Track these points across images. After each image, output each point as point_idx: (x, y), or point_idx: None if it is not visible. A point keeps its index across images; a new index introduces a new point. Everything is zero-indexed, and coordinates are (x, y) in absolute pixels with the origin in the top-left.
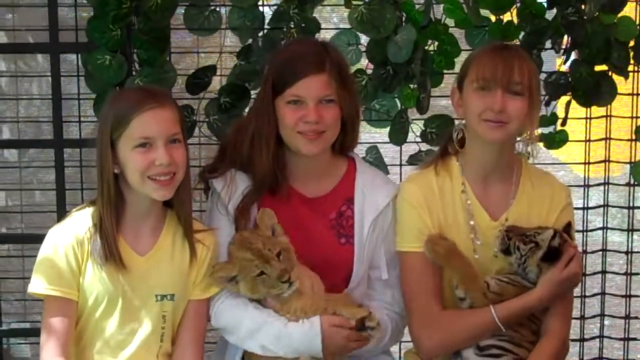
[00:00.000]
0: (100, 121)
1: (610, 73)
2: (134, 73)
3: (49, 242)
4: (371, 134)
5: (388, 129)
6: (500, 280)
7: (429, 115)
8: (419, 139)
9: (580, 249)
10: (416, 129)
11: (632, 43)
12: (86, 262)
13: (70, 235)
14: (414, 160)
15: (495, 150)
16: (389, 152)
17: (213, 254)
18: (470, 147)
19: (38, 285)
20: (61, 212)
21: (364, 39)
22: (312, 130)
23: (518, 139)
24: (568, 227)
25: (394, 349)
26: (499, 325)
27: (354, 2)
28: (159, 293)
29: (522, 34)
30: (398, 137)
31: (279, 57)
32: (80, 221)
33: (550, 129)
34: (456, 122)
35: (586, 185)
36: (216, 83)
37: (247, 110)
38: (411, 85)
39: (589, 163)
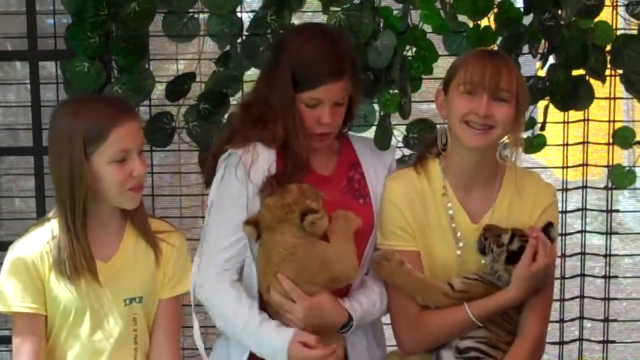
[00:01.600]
0: (61, 133)
1: (587, 77)
2: (112, 80)
3: (10, 260)
4: None
5: (365, 134)
6: (468, 278)
7: (411, 120)
8: (400, 144)
9: (559, 252)
10: (397, 134)
11: (608, 47)
12: (49, 276)
13: (31, 251)
14: (400, 164)
15: (477, 155)
16: None
17: (179, 253)
18: (452, 150)
19: (5, 303)
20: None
21: None
22: (325, 132)
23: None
24: (548, 226)
25: None
26: (475, 321)
27: (332, 8)
28: (127, 297)
29: (500, 39)
30: (383, 141)
31: (296, 53)
32: (39, 237)
33: (529, 133)
34: (438, 126)
35: (564, 189)
36: (195, 90)
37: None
38: (391, 91)
39: (567, 167)
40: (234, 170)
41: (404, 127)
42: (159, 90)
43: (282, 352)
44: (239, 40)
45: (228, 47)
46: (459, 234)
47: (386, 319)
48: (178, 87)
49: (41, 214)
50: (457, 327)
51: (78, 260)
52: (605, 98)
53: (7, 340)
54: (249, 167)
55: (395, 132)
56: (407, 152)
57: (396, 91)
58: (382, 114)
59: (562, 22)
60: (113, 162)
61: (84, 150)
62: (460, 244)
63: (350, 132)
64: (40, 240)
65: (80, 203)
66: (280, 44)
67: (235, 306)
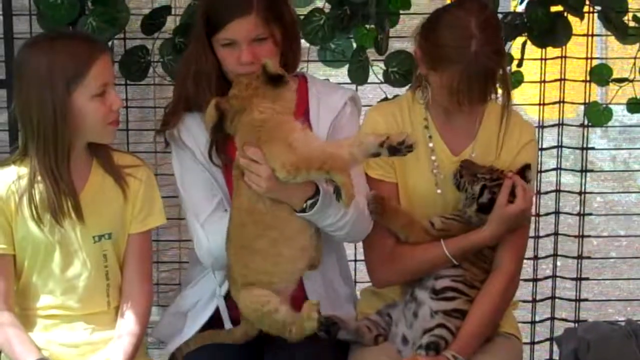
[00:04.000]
0: (38, 76)
1: (565, 14)
2: (86, 12)
3: None
4: (326, 74)
5: (343, 70)
6: (446, 218)
7: (388, 54)
8: (377, 80)
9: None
10: (377, 71)
11: None
12: (15, 217)
13: None
14: None
15: None
16: None
17: (147, 187)
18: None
19: None
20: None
21: None
22: (250, 71)
23: None
24: (525, 168)
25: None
26: (451, 259)
27: None
28: (95, 234)
29: None
30: (358, 76)
31: None
32: (4, 177)
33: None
34: None
35: (540, 127)
36: (170, 23)
37: None
38: (367, 26)
39: (543, 104)
40: (177, 148)
41: (383, 63)
42: (132, 22)
43: None
44: None
45: None
46: (436, 164)
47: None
48: (154, 20)
49: (14, 147)
50: (433, 263)
51: (62, 200)
52: (583, 35)
53: None
54: (190, 144)
55: (375, 70)
56: (388, 89)
57: (372, 26)
58: (358, 48)
59: None
60: (95, 97)
61: (66, 89)
62: (441, 177)
63: (310, 73)
64: (6, 181)
65: (65, 142)
66: None
67: None
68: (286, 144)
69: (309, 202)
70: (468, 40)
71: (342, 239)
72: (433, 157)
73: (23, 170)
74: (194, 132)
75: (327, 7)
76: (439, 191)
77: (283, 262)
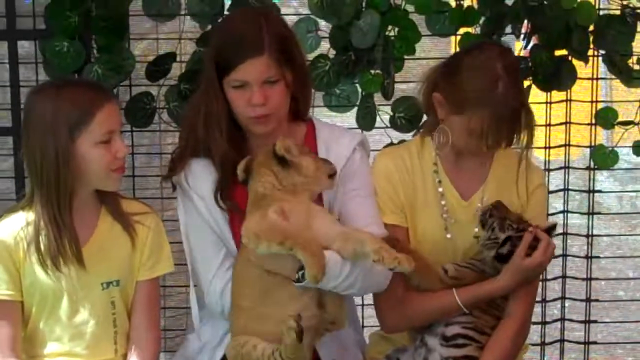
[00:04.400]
0: (43, 123)
1: (570, 58)
2: (92, 60)
3: None
4: (331, 119)
5: (349, 114)
6: (460, 265)
7: (395, 99)
8: (383, 125)
9: None
10: (383, 115)
11: (591, 27)
12: (23, 263)
13: (4, 237)
14: None
15: None
16: None
17: (155, 234)
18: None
19: None
20: (20, 200)
21: (323, 24)
22: (260, 114)
23: None
24: (552, 228)
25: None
26: (462, 307)
27: None
28: (103, 281)
29: (483, 19)
30: (365, 122)
31: (217, 36)
32: (13, 223)
33: None
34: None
35: (547, 170)
36: (176, 69)
37: None
38: (372, 71)
39: (549, 147)
40: (183, 197)
41: (389, 107)
42: (137, 69)
43: None
44: (220, 19)
45: (209, 27)
46: (446, 209)
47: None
48: (159, 67)
49: (20, 195)
50: (444, 310)
51: (65, 246)
52: (588, 78)
53: None
54: (197, 190)
55: (380, 114)
56: (393, 134)
57: (378, 71)
58: (366, 93)
59: (544, 2)
60: (99, 144)
61: (69, 136)
62: (451, 221)
63: (318, 118)
64: (14, 228)
65: (67, 189)
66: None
67: None
68: (262, 213)
69: (300, 272)
70: (495, 82)
71: (359, 294)
72: (443, 202)
73: (31, 216)
74: (200, 177)
75: (332, 53)
76: (448, 236)
77: (272, 323)
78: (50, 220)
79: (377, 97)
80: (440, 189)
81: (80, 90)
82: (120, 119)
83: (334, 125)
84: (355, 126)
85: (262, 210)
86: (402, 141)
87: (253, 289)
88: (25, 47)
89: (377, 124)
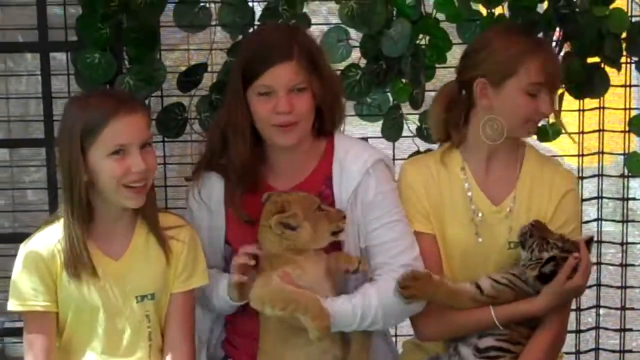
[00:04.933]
0: (64, 128)
1: (602, 65)
2: (123, 71)
3: (21, 258)
4: (363, 127)
5: (380, 123)
6: (498, 282)
7: (424, 110)
8: (410, 133)
9: None
10: (410, 124)
11: (624, 34)
12: (60, 274)
13: (41, 249)
14: None
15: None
16: (381, 148)
17: (190, 248)
18: (474, 132)
19: (15, 302)
20: (53, 211)
21: (354, 33)
22: (286, 122)
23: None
24: (590, 241)
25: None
26: (498, 325)
27: None
28: (138, 294)
29: None
30: (391, 132)
31: (246, 46)
32: (50, 235)
33: (544, 121)
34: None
35: (580, 177)
36: (207, 80)
37: None
38: (403, 80)
39: (582, 155)
40: (195, 207)
41: (415, 117)
42: (169, 79)
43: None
44: (251, 30)
45: (240, 37)
46: (480, 215)
47: None
48: (190, 77)
49: (53, 206)
50: (479, 326)
51: (80, 258)
52: (621, 86)
53: (19, 332)
54: (208, 202)
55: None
56: (420, 143)
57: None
58: (394, 104)
59: (576, 10)
60: (110, 156)
61: (80, 144)
62: (482, 225)
63: (339, 132)
64: (52, 239)
65: (79, 198)
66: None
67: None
68: (266, 278)
69: None
70: (539, 39)
71: (386, 327)
72: (472, 207)
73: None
74: (210, 189)
75: (363, 62)
76: (480, 240)
77: None
78: (67, 232)
79: (405, 106)
80: (470, 194)
81: (100, 100)
82: (144, 132)
83: (353, 143)
84: (379, 135)
85: (267, 274)
86: (428, 150)
87: (274, 333)
88: (57, 58)
89: (404, 133)
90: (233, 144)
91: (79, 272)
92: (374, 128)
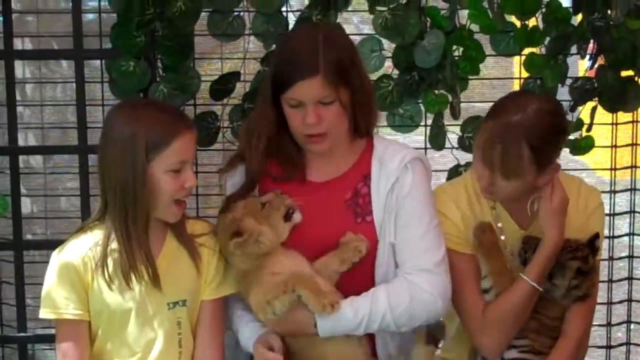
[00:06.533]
0: (122, 140)
1: (636, 78)
2: (157, 79)
3: (54, 267)
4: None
5: (412, 134)
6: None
7: (464, 119)
8: (450, 145)
9: (606, 254)
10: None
11: None
12: (91, 283)
13: (74, 257)
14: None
15: None
16: None
17: (220, 256)
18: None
19: (48, 309)
20: (86, 218)
21: (387, 43)
22: (315, 133)
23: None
24: (595, 237)
25: None
26: (536, 286)
27: (378, 8)
28: (170, 301)
29: (548, 39)
30: (438, 141)
31: (277, 55)
32: (82, 244)
33: (577, 134)
34: None
35: (612, 191)
36: (240, 89)
37: None
38: (435, 91)
39: (615, 169)
40: (229, 188)
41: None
42: (202, 88)
43: (248, 345)
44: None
45: (273, 47)
46: (508, 248)
47: None
48: (223, 86)
49: (86, 213)
50: (523, 300)
51: (138, 264)
52: None
53: (50, 339)
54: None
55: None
56: (459, 154)
57: (441, 91)
58: (436, 113)
59: (611, 23)
60: (169, 172)
61: (145, 157)
62: (511, 255)
63: (380, 135)
64: (82, 248)
65: (143, 208)
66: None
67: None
68: (258, 284)
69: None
70: None
71: (400, 329)
72: (502, 237)
73: (99, 235)
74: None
75: (395, 73)
76: (508, 266)
77: None
78: (123, 237)
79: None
80: (500, 224)
81: (164, 113)
82: (195, 149)
83: (392, 142)
84: (419, 146)
85: (256, 281)
86: (467, 163)
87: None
88: (92, 65)
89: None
90: (248, 147)
91: (137, 279)
92: (406, 139)
